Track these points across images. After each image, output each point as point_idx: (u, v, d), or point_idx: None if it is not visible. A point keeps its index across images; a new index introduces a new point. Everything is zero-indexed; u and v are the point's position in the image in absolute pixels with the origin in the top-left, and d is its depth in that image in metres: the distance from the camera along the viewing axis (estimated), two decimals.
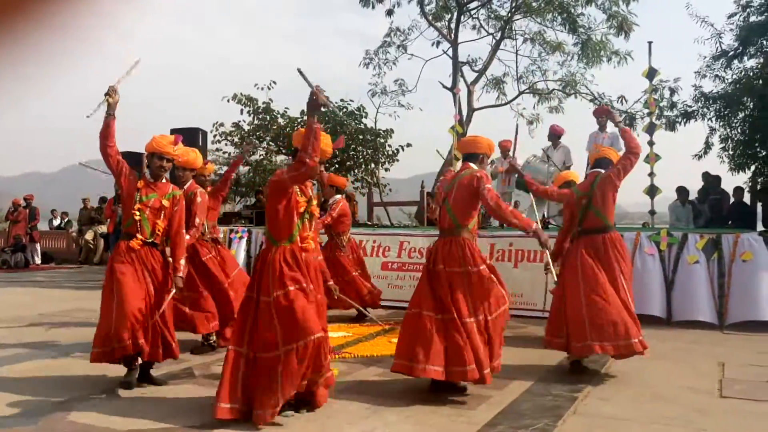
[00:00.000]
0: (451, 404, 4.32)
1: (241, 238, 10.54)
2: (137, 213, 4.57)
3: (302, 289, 3.86)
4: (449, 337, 4.39)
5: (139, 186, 4.63)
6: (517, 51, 19.11)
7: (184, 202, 4.88)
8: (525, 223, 4.59)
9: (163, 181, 4.78)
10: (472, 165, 4.80)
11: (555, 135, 10.23)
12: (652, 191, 9.21)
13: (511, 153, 10.14)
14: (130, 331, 4.34)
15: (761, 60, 13.54)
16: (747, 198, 11.93)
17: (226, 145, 17.06)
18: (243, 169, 18.18)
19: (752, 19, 13.72)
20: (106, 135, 4.48)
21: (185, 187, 5.60)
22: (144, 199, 4.61)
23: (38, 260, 17.37)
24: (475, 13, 19.07)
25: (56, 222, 20.07)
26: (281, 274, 3.85)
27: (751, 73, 13.72)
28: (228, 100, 16.32)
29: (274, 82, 16.67)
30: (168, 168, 4.81)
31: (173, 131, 11.22)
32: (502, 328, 4.60)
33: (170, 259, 4.76)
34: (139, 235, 4.58)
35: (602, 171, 5.47)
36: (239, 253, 10.40)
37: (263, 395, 3.76)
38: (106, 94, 4.46)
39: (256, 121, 16.51)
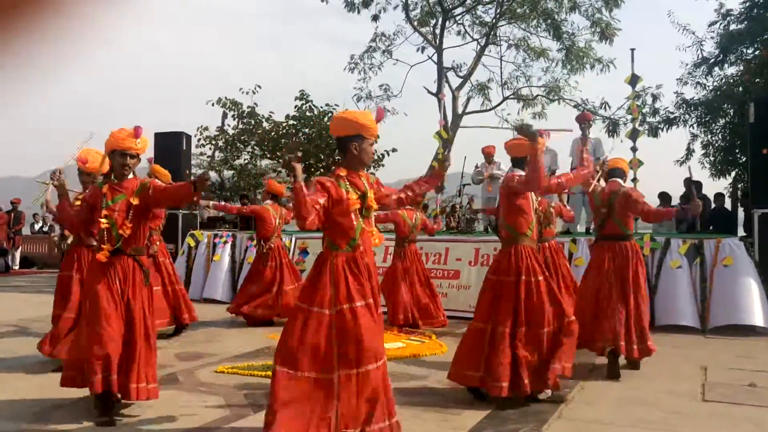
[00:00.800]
0: (437, 409, 4.31)
1: (225, 243, 10.48)
2: (104, 220, 4.07)
3: (368, 306, 3.39)
4: (486, 347, 4.46)
5: (104, 191, 4.15)
6: (501, 57, 19.28)
7: (158, 182, 4.36)
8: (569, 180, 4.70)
9: (129, 177, 4.23)
10: (518, 171, 4.67)
11: None
12: None
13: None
14: (101, 366, 3.84)
15: (741, 68, 13.76)
16: (728, 204, 12.08)
17: (210, 149, 17.00)
18: (227, 173, 18.12)
19: (732, 27, 13.95)
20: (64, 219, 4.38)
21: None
22: (111, 204, 4.11)
23: (16, 265, 17.15)
24: (460, 19, 19.20)
25: (38, 225, 19.83)
26: (347, 286, 3.35)
27: (732, 81, 13.94)
28: (212, 104, 16.28)
29: (259, 87, 16.65)
30: (133, 165, 4.22)
31: (157, 135, 11.15)
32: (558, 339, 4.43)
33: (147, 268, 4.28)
34: (104, 245, 4.06)
35: (621, 181, 5.69)
36: (223, 257, 10.35)
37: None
38: (48, 181, 4.45)
39: (240, 126, 16.47)
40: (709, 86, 14.40)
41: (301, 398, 3.24)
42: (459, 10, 18.93)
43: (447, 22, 18.83)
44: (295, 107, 16.45)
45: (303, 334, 3.31)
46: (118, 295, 4.02)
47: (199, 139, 16.33)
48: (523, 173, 4.60)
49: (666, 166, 16.17)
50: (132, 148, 4.14)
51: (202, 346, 6.49)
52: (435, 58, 18.87)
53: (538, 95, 19.14)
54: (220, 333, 7.35)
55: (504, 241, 4.69)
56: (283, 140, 15.86)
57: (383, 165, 16.35)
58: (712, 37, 14.37)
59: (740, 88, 13.14)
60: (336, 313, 3.31)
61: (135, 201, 4.12)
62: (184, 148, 11.44)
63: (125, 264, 4.09)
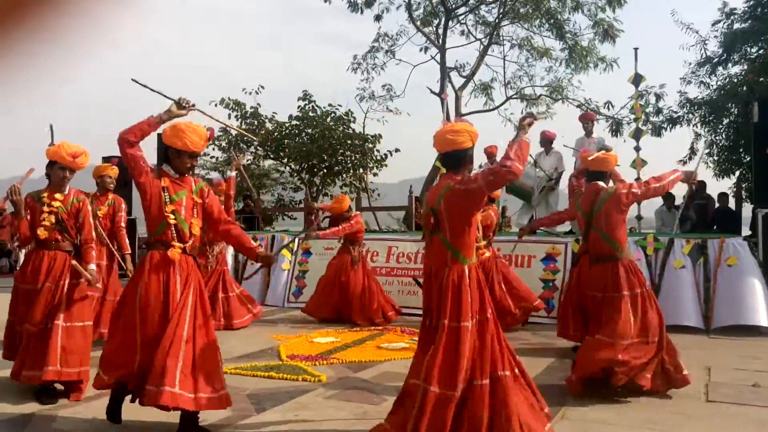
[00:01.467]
0: None
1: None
2: (172, 216, 3.75)
3: (484, 320, 3.34)
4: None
5: (164, 185, 3.79)
6: (504, 56, 19.26)
7: (213, 193, 4.05)
8: (672, 180, 4.69)
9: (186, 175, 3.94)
10: (601, 184, 4.83)
11: (547, 140, 10.13)
12: None
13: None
14: (123, 366, 3.67)
15: (745, 67, 13.72)
16: (732, 203, 12.05)
17: (213, 149, 17.02)
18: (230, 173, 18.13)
19: (736, 26, 13.92)
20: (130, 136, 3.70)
21: (66, 191, 4.79)
22: (175, 198, 3.79)
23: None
24: (463, 19, 19.18)
25: None
26: (482, 297, 3.34)
27: (736, 80, 13.90)
28: (216, 105, 16.30)
29: (262, 87, 16.66)
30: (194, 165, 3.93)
31: (159, 136, 11.15)
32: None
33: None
34: (176, 243, 3.75)
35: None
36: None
37: None
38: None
39: (243, 126, 16.49)
40: (713, 85, 14.37)
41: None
42: (462, 9, 18.92)
43: (450, 22, 18.80)
44: (298, 107, 16.47)
45: (459, 351, 3.21)
46: (173, 299, 3.67)
47: None
48: (604, 185, 4.81)
49: (669, 165, 16.13)
50: (201, 150, 3.90)
51: None
52: (438, 58, 18.87)
53: (541, 95, 19.13)
54: (222, 334, 7.33)
55: (602, 257, 4.73)
56: (286, 141, 15.87)
57: (386, 165, 16.35)
58: (715, 36, 14.35)
59: (744, 88, 13.10)
60: (474, 323, 3.27)
61: (197, 199, 3.88)
62: None
63: (186, 263, 3.80)
